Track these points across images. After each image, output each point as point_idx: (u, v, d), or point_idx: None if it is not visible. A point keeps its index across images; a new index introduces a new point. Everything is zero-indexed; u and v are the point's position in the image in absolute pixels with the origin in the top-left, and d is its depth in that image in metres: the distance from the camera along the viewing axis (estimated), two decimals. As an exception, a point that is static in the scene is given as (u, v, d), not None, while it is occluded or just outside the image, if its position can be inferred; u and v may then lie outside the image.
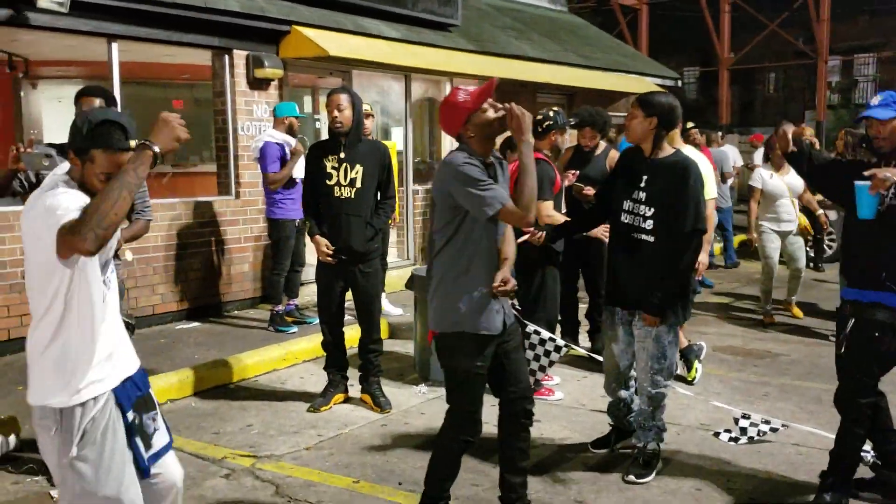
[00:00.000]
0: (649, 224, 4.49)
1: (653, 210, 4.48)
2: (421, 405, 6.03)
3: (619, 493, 4.52)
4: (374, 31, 9.99)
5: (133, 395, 2.99)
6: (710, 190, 6.16)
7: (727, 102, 28.37)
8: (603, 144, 7.05)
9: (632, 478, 4.65)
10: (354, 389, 6.08)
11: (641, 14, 27.20)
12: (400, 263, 10.72)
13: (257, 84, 8.88)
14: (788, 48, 30.06)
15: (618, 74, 14.61)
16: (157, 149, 2.71)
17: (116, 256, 3.62)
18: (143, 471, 2.97)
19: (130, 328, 7.56)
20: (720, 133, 14.23)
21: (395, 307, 8.65)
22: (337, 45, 8.99)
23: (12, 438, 4.96)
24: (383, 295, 8.08)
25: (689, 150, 6.42)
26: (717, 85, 28.90)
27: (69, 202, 2.65)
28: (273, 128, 7.94)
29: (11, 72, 10.45)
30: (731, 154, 12.99)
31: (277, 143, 7.70)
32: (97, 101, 4.67)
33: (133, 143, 2.77)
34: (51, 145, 4.53)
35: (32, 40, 8.89)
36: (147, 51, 8.61)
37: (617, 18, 26.92)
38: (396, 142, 10.52)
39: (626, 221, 4.57)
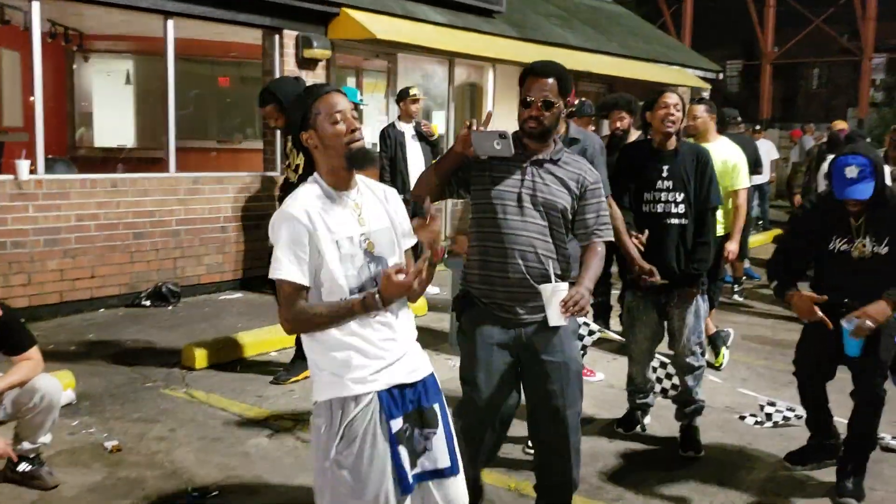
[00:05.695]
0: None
1: None
2: (454, 378, 6.20)
3: (643, 467, 4.70)
4: (421, 16, 10.17)
5: (407, 405, 2.74)
6: (743, 180, 6.25)
7: (769, 97, 28.23)
8: (637, 133, 6.96)
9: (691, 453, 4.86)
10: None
11: (685, 5, 27.12)
12: (436, 244, 10.89)
13: (305, 64, 9.10)
14: (832, 44, 29.81)
15: (659, 65, 14.68)
16: (378, 297, 2.63)
17: None
18: (403, 486, 2.67)
19: (176, 296, 7.88)
20: (757, 127, 14.30)
21: (430, 286, 8.83)
22: (384, 28, 9.18)
23: (70, 391, 5.24)
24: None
25: (723, 141, 6.52)
26: (760, 79, 28.76)
27: (287, 219, 2.63)
28: None
29: (66, 44, 10.74)
30: (765, 147, 13.06)
31: None
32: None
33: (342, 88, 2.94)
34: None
35: (90, 14, 9.18)
36: (197, 28, 8.87)
37: (661, 9, 26.86)
38: (438, 125, 10.70)
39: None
